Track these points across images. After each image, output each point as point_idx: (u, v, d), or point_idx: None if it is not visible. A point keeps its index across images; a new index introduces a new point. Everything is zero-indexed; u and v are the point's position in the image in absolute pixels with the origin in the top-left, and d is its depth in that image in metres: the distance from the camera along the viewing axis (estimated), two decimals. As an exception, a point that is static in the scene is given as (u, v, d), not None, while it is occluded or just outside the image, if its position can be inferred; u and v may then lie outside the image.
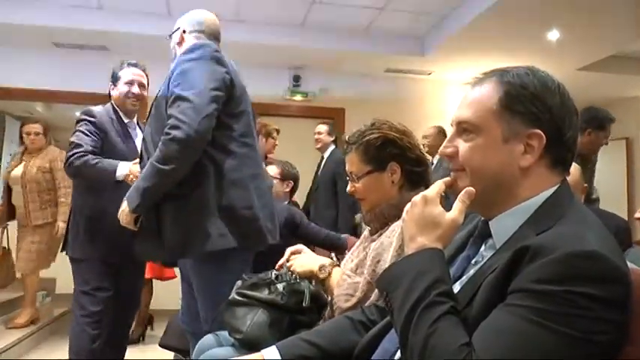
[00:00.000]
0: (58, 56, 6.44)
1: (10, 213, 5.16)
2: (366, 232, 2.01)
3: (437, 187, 1.27)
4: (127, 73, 3.34)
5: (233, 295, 1.86)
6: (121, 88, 3.31)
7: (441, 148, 1.31)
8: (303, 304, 1.79)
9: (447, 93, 7.29)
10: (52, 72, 6.46)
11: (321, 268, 1.95)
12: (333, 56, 6.52)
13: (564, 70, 5.96)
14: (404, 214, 1.28)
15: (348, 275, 1.83)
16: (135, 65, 3.40)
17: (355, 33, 6.23)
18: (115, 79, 3.36)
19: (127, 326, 3.56)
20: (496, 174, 1.20)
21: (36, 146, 5.20)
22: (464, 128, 1.25)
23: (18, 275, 5.21)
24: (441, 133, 5.39)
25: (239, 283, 1.92)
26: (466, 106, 1.27)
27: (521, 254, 1.04)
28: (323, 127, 5.69)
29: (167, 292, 5.11)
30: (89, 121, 3.16)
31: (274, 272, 1.88)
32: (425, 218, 1.22)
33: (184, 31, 2.76)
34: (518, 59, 5.72)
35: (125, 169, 3.00)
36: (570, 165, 1.23)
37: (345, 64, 6.76)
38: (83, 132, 3.13)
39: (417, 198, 1.26)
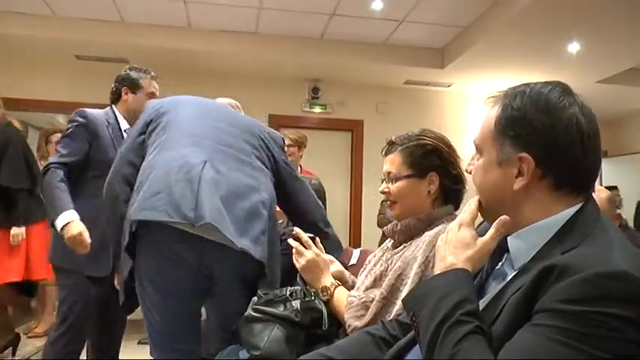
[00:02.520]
0: (80, 68, 6.51)
1: None
2: (388, 244, 1.99)
3: (471, 212, 1.28)
4: (149, 85, 3.22)
5: (249, 312, 1.85)
6: (141, 100, 3.12)
7: (466, 165, 1.33)
8: (323, 328, 1.78)
9: (466, 105, 7.25)
10: (73, 84, 6.53)
11: (323, 290, 1.93)
12: (352, 68, 6.53)
13: (584, 83, 5.91)
14: (438, 241, 1.28)
15: (354, 296, 1.81)
16: (156, 79, 3.29)
17: (374, 45, 6.23)
18: (134, 87, 3.18)
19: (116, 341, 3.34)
20: (494, 195, 1.23)
21: None
22: (476, 149, 1.29)
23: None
24: None
25: (255, 299, 1.91)
26: (479, 126, 1.29)
27: (546, 273, 1.02)
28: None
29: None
30: (81, 124, 2.99)
31: (289, 289, 1.86)
32: (457, 240, 1.23)
33: None
34: (537, 72, 5.77)
35: (65, 219, 2.75)
36: (583, 186, 1.19)
37: (364, 76, 6.77)
38: (70, 136, 2.97)
39: (453, 224, 1.28)
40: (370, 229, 6.73)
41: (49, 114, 7.75)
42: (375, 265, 1.94)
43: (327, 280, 1.95)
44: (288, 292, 1.84)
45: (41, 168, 5.13)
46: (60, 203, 2.77)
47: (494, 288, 1.22)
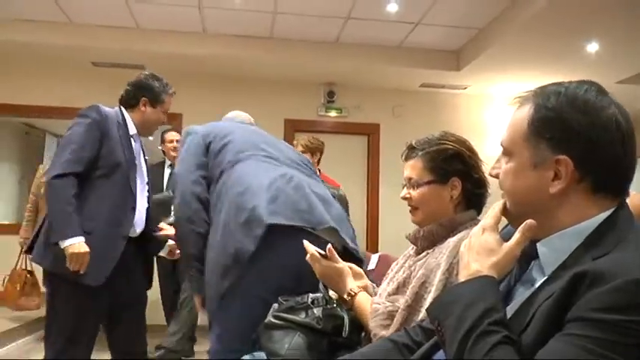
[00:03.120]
0: (96, 75, 6.54)
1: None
2: (410, 250, 1.96)
3: (494, 216, 1.24)
4: (169, 102, 3.17)
5: (269, 319, 1.83)
6: (159, 116, 3.13)
7: (490, 168, 1.29)
8: (343, 335, 1.75)
9: (483, 108, 7.20)
10: (90, 91, 6.53)
11: (348, 295, 1.89)
12: (368, 72, 6.51)
13: (603, 83, 5.78)
14: (462, 247, 1.24)
15: (378, 303, 1.78)
16: (173, 95, 3.21)
17: (389, 48, 6.21)
18: (155, 100, 3.09)
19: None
20: (527, 199, 1.17)
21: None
22: (503, 151, 1.24)
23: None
24: None
25: (275, 306, 1.89)
26: (506, 128, 1.24)
27: (579, 280, 0.98)
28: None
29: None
30: (95, 121, 2.87)
31: (310, 296, 1.84)
32: (481, 246, 1.18)
33: None
34: (555, 73, 5.69)
35: (74, 240, 2.66)
36: (620, 188, 1.15)
37: (380, 79, 6.74)
38: (84, 136, 2.82)
39: (476, 229, 1.23)
40: (387, 234, 6.70)
41: (66, 120, 7.77)
42: (397, 272, 1.91)
43: (350, 285, 1.92)
44: (309, 300, 1.81)
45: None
46: (71, 226, 2.67)
47: (522, 294, 1.18)
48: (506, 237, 1.20)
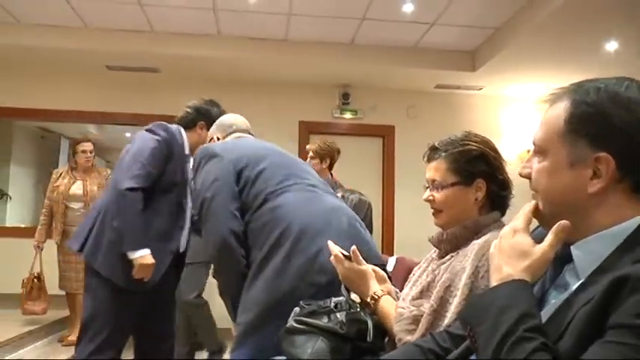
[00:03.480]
0: (111, 79, 6.56)
1: (50, 233, 5.20)
2: (433, 253, 1.92)
3: (525, 217, 1.19)
4: None
5: (291, 323, 1.79)
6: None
7: (520, 168, 1.24)
8: (367, 340, 1.71)
9: (498, 108, 7.13)
10: (104, 94, 6.59)
11: (372, 298, 1.86)
12: (383, 73, 6.47)
13: (623, 82, 5.75)
14: (491, 248, 1.19)
15: (402, 307, 1.74)
16: None
17: (404, 49, 6.16)
18: (212, 124, 3.05)
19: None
20: (563, 199, 1.13)
21: (89, 164, 5.29)
22: (535, 149, 1.19)
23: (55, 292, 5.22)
24: None
25: (297, 310, 1.86)
26: (539, 126, 1.20)
27: (619, 284, 0.94)
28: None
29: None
30: (165, 140, 3.00)
31: (333, 300, 1.80)
32: (512, 248, 1.13)
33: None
34: (573, 72, 5.63)
35: (142, 253, 2.85)
36: None
37: (395, 80, 6.70)
38: (155, 154, 2.95)
39: (506, 230, 1.18)
40: (403, 236, 6.66)
41: (81, 124, 7.83)
42: (420, 276, 1.87)
43: (374, 288, 1.88)
44: (332, 304, 1.77)
45: (61, 177, 5.22)
46: (141, 240, 2.86)
47: (555, 299, 1.14)
48: (537, 239, 1.16)
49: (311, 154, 4.82)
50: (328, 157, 4.86)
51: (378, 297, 1.85)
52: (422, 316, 1.64)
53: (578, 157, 1.09)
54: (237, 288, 2.29)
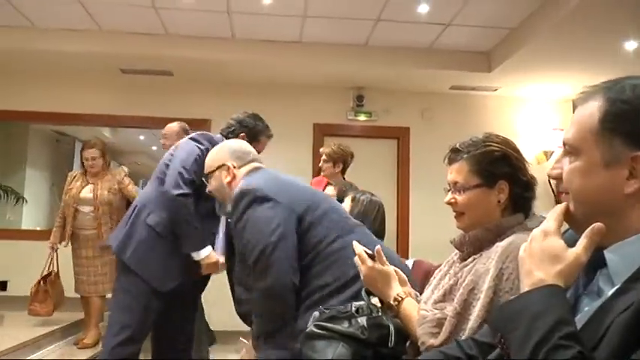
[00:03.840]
0: (125, 82, 6.58)
1: (63, 235, 5.19)
2: (454, 256, 1.88)
3: (556, 219, 1.14)
4: (265, 142, 3.40)
5: (311, 328, 1.77)
6: None
7: (549, 169, 1.19)
8: (389, 345, 1.67)
9: (514, 109, 7.07)
10: (119, 97, 6.61)
11: (395, 300, 1.82)
12: (397, 75, 6.44)
13: (641, 82, 5.68)
14: (520, 251, 1.15)
15: (426, 310, 1.71)
16: (270, 138, 3.47)
17: (419, 50, 6.13)
18: (252, 137, 3.28)
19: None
20: (597, 200, 1.08)
21: (95, 170, 5.25)
22: (567, 150, 1.15)
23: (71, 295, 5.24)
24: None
25: (316, 314, 1.83)
26: (570, 125, 1.15)
27: None
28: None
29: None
30: (207, 149, 2.99)
31: (354, 305, 1.77)
32: (544, 252, 1.09)
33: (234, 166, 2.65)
34: (590, 73, 5.59)
35: (206, 252, 3.07)
36: None
37: (409, 82, 6.66)
38: (197, 158, 3.04)
39: (536, 232, 1.14)
40: (418, 239, 6.61)
41: (95, 127, 7.85)
42: (441, 280, 1.83)
43: (397, 290, 1.84)
44: (353, 309, 1.74)
45: (74, 180, 5.24)
46: (202, 241, 3.06)
47: (588, 306, 1.10)
48: (567, 243, 1.12)
49: (324, 157, 4.79)
50: (341, 161, 4.82)
51: (402, 299, 1.81)
52: (445, 319, 1.61)
53: (614, 156, 1.05)
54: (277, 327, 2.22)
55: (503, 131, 6.22)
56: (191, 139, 3.17)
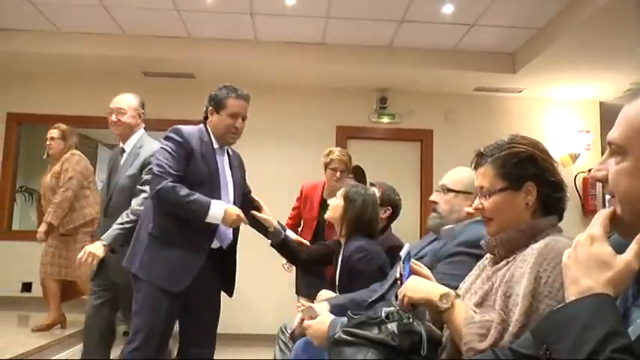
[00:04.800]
0: (147, 85, 6.56)
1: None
2: (485, 260, 1.82)
3: (602, 223, 1.08)
4: (233, 105, 3.12)
5: (339, 334, 1.71)
6: (225, 120, 3.10)
7: (593, 170, 1.13)
8: (422, 353, 1.60)
9: (538, 111, 6.97)
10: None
11: (443, 297, 1.70)
12: (421, 76, 6.38)
13: (671, 83, 5.56)
14: (564, 257, 1.09)
15: (475, 311, 1.64)
16: (244, 98, 3.19)
17: (443, 51, 6.06)
18: (218, 106, 3.12)
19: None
20: None
21: (52, 151, 5.06)
22: (612, 149, 1.09)
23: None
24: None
25: (344, 320, 1.77)
26: (616, 124, 1.10)
27: None
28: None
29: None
30: (177, 142, 2.99)
31: (384, 310, 1.71)
32: (591, 258, 1.03)
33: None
34: (617, 74, 5.47)
35: (220, 210, 2.92)
36: None
37: (433, 83, 6.60)
38: (170, 152, 2.97)
39: (581, 237, 1.07)
40: (442, 242, 6.52)
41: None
42: (472, 284, 1.77)
43: (445, 289, 1.75)
44: (383, 314, 1.68)
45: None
46: (199, 208, 2.90)
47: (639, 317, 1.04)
48: (614, 248, 1.05)
49: (343, 167, 4.55)
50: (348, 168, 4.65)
51: (454, 298, 1.71)
52: (491, 323, 1.54)
53: None
54: None
55: (528, 133, 6.14)
56: (163, 138, 3.09)
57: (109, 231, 3.35)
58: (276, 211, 3.57)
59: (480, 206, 1.78)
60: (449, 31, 5.59)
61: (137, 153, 3.67)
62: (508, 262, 1.66)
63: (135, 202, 3.43)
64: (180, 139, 2.99)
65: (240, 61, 5.98)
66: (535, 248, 1.58)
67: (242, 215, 2.97)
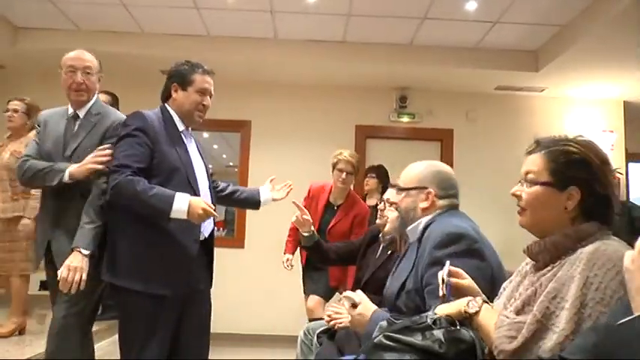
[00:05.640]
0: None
1: None
2: (525, 266, 1.75)
3: None
4: (201, 80, 2.87)
5: (380, 339, 1.64)
6: (192, 97, 2.84)
7: None
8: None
9: (561, 110, 6.85)
10: (158, 99, 6.56)
11: (470, 301, 1.68)
12: (441, 75, 6.29)
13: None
14: (626, 262, 1.01)
15: (506, 316, 1.58)
16: (210, 73, 2.94)
17: (465, 49, 5.97)
18: (183, 82, 2.85)
19: None
20: None
21: (13, 124, 4.54)
22: None
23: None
24: None
25: (384, 324, 1.70)
26: None
27: None
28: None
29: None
30: (137, 127, 2.68)
31: (429, 316, 1.63)
32: None
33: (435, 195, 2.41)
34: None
35: (184, 203, 2.52)
36: None
37: (454, 82, 6.51)
38: (129, 141, 2.66)
39: None
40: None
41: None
42: (514, 291, 1.69)
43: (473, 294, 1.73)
44: (429, 320, 1.60)
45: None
46: (165, 195, 2.53)
47: None
48: None
49: (350, 168, 4.41)
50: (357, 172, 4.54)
51: (484, 301, 1.69)
52: (521, 324, 1.49)
53: None
54: None
55: (550, 133, 6.07)
56: (121, 125, 2.82)
57: (81, 235, 2.70)
58: (295, 211, 3.51)
59: (519, 193, 1.72)
60: (471, 29, 5.50)
61: (94, 122, 3.07)
62: (553, 268, 1.59)
63: (97, 196, 2.82)
64: (140, 124, 2.70)
65: (260, 59, 5.92)
66: (584, 252, 1.51)
67: (209, 208, 2.56)
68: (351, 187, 4.61)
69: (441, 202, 2.40)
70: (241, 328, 6.20)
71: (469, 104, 6.82)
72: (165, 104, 2.92)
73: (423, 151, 6.74)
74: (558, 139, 1.70)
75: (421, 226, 2.34)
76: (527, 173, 1.71)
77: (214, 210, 2.63)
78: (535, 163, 1.69)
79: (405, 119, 6.78)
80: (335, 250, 3.72)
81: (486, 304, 1.69)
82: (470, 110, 6.81)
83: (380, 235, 3.42)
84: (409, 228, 2.42)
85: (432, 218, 2.34)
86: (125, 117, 2.91)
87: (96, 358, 3.05)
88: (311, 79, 6.49)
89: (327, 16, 5.29)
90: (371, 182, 5.50)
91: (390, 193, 3.14)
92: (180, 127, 2.87)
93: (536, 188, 1.67)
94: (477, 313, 1.66)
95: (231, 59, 5.93)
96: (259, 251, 6.36)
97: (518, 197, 1.72)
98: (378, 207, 3.51)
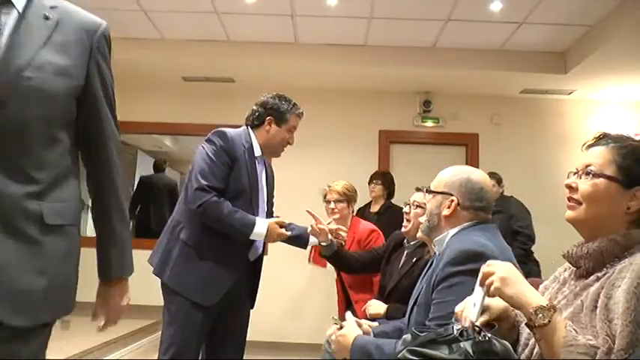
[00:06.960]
0: (186, 90, 6.54)
1: None
2: (564, 272, 1.63)
3: None
4: (295, 121, 3.11)
5: (403, 353, 1.53)
6: (283, 134, 3.07)
7: None
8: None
9: (589, 114, 6.65)
10: (180, 105, 6.59)
11: (540, 311, 1.40)
12: (466, 78, 6.17)
13: None
14: None
15: (575, 330, 1.39)
16: (302, 115, 3.17)
17: (489, 52, 5.84)
18: (279, 119, 3.05)
19: None
20: None
21: None
22: None
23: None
24: None
25: (408, 337, 1.59)
26: None
27: None
28: None
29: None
30: (222, 147, 2.90)
31: (455, 327, 1.51)
32: None
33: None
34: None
35: (263, 228, 2.86)
36: None
37: (478, 86, 6.38)
38: (213, 159, 2.87)
39: None
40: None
41: (156, 136, 7.85)
42: (552, 299, 1.56)
43: (539, 299, 1.45)
44: (455, 331, 1.48)
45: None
46: (248, 220, 2.84)
47: None
48: None
49: (336, 196, 4.07)
50: (354, 200, 4.22)
51: (553, 312, 1.42)
52: (596, 349, 1.32)
53: None
54: None
55: (579, 137, 5.94)
56: (205, 141, 2.98)
57: (116, 255, 1.86)
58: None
59: (574, 185, 1.60)
60: (496, 30, 5.37)
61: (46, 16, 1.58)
62: (599, 278, 1.46)
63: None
64: (225, 145, 2.91)
65: (281, 63, 5.87)
66: (635, 263, 1.39)
67: (284, 232, 2.95)
68: (351, 215, 4.23)
69: (464, 213, 2.22)
70: (265, 336, 6.12)
71: (494, 108, 6.67)
72: (250, 128, 3.09)
73: (448, 156, 6.63)
74: (626, 136, 1.60)
75: (447, 238, 2.21)
76: (587, 165, 1.58)
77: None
78: (600, 155, 1.57)
79: (429, 123, 6.66)
80: (358, 258, 3.63)
81: (556, 313, 1.43)
82: (495, 114, 6.67)
83: (405, 241, 3.35)
84: (437, 238, 2.28)
85: (459, 231, 2.21)
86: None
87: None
88: (332, 83, 6.41)
89: (349, 19, 5.21)
90: (377, 189, 5.44)
91: (418, 196, 3.18)
92: (257, 152, 3.06)
93: (600, 181, 1.54)
94: (544, 325, 1.41)
95: (252, 64, 5.90)
96: (282, 258, 6.28)
97: (573, 189, 1.60)
98: (403, 210, 3.41)
